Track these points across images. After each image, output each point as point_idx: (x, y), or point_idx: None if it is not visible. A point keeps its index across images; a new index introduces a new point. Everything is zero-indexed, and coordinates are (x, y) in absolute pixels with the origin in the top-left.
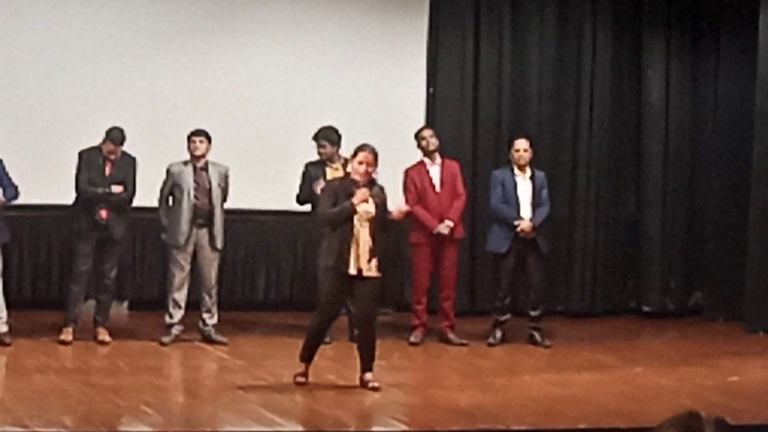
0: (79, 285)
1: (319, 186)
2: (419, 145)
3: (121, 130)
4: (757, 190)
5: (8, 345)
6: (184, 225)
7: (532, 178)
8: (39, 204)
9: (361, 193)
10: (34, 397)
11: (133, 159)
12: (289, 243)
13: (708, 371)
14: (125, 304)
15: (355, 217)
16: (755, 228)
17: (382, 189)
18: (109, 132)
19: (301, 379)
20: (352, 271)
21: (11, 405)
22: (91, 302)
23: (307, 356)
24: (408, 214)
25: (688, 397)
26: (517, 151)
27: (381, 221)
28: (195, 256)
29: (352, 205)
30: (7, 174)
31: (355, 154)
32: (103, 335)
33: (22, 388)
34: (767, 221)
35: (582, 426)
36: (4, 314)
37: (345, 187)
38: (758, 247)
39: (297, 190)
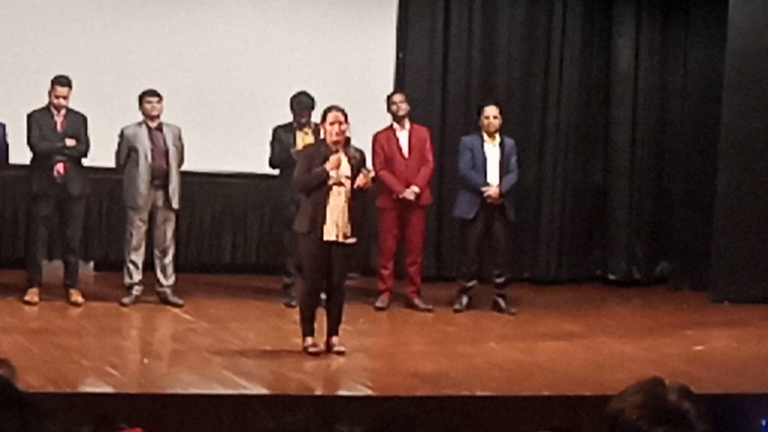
0: (40, 249)
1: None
2: (389, 110)
3: (65, 76)
4: (725, 160)
5: None
6: (142, 186)
7: (501, 145)
8: None
9: (334, 158)
10: None
11: (84, 116)
12: (255, 206)
13: (673, 340)
14: (91, 264)
15: (330, 182)
16: (722, 198)
17: (360, 151)
18: (55, 79)
19: (313, 349)
20: (327, 237)
21: None
22: (57, 263)
23: (308, 330)
24: (373, 181)
25: (652, 366)
26: (487, 118)
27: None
28: (151, 217)
29: (325, 171)
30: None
31: (323, 118)
32: (76, 296)
33: None
34: (734, 192)
35: (546, 393)
36: None
37: (320, 152)
38: (725, 217)
39: (266, 153)
